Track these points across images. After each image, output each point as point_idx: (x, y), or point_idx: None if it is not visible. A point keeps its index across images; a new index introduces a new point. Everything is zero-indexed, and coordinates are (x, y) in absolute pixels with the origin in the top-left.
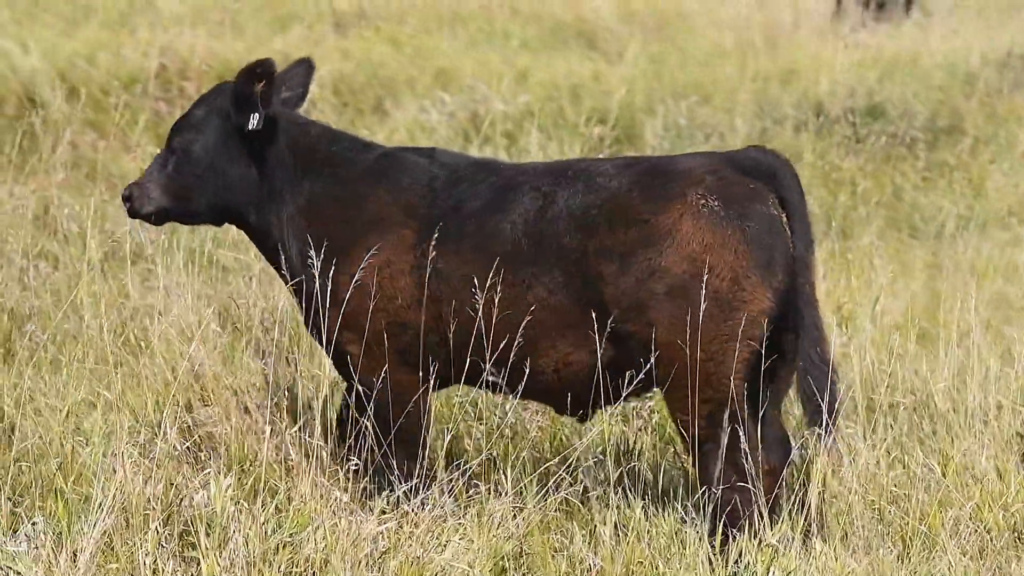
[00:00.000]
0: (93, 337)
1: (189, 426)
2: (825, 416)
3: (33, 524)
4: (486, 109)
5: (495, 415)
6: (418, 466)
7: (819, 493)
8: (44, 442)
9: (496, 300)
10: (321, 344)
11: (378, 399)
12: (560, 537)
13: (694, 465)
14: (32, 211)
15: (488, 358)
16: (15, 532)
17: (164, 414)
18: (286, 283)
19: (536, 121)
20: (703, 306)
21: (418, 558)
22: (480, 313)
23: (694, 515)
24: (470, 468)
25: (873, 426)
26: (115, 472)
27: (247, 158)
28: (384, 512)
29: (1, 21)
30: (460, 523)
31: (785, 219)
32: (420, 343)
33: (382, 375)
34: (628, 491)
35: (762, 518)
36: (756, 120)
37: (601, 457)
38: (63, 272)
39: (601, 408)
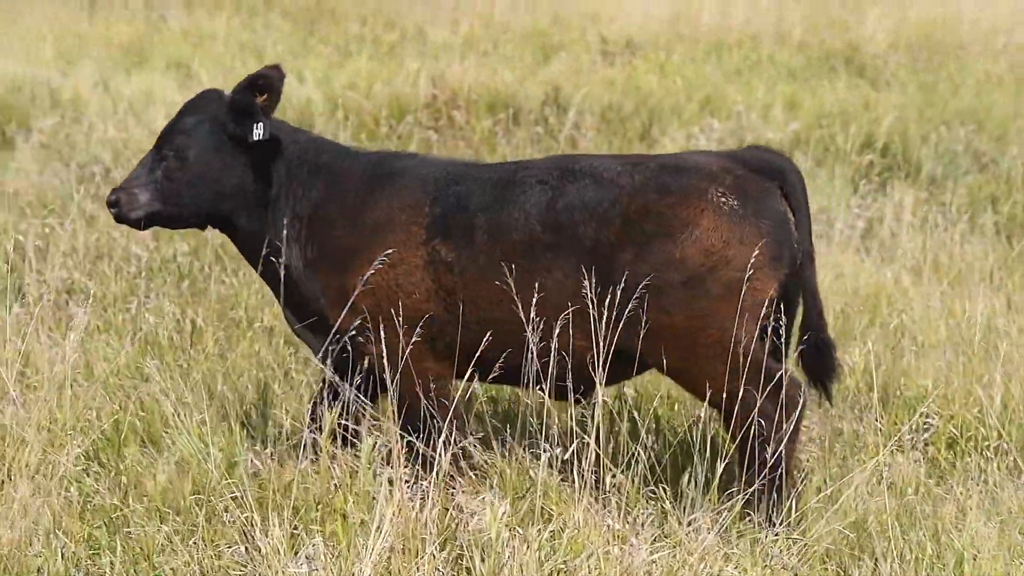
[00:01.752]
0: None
1: (463, 451)
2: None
3: (313, 546)
4: (754, 136)
5: None
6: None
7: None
8: (323, 464)
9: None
10: (291, 326)
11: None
12: (837, 569)
13: (727, 429)
14: None
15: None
16: (295, 553)
17: (439, 439)
18: (268, 280)
19: (807, 148)
20: (718, 294)
21: None
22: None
23: (978, 550)
24: (742, 497)
25: None
26: (392, 495)
27: (240, 166)
28: (656, 540)
29: (277, 53)
30: (733, 553)
31: (791, 215)
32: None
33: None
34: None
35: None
36: None
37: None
38: None
39: (595, 390)
